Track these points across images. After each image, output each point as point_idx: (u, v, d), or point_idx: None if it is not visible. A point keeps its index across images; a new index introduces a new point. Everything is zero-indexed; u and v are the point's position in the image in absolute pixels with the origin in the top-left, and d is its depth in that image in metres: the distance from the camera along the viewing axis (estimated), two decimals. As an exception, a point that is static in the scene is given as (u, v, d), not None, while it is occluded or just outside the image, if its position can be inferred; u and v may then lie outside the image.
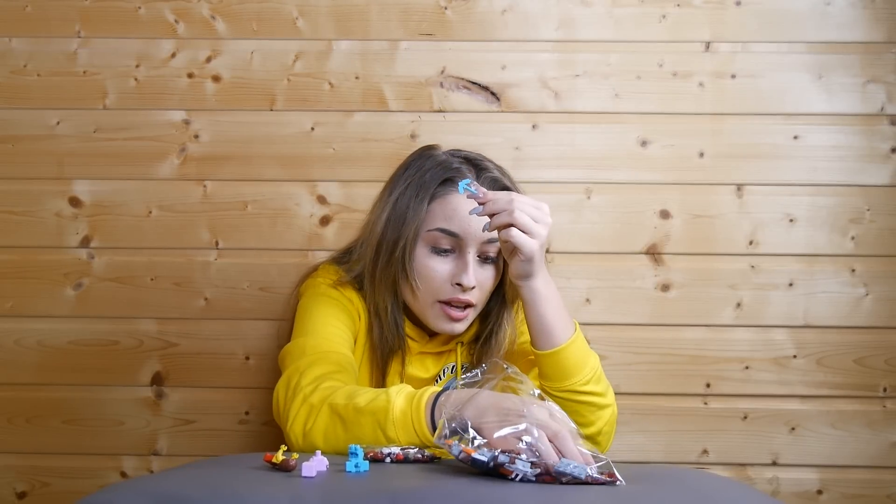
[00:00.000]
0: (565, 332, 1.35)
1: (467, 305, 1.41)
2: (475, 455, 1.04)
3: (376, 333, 1.45)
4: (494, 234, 1.34)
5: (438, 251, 1.40)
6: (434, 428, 1.19)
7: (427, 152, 1.47)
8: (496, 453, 1.04)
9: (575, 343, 1.36)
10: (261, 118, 1.80)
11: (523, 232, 1.28)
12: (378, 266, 1.42)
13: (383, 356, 1.45)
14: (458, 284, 1.39)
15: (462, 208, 1.38)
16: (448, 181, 1.41)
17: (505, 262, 1.40)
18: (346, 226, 1.77)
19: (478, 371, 1.20)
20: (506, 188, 1.44)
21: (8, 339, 1.79)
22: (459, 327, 1.42)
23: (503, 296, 1.48)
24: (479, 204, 1.30)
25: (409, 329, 1.47)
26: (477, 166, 1.44)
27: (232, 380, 1.78)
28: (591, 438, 1.36)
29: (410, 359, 1.47)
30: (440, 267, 1.40)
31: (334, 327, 1.42)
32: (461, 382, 1.18)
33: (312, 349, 1.37)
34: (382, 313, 1.43)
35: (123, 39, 1.80)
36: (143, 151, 1.79)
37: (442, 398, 1.20)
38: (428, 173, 1.42)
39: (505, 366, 1.21)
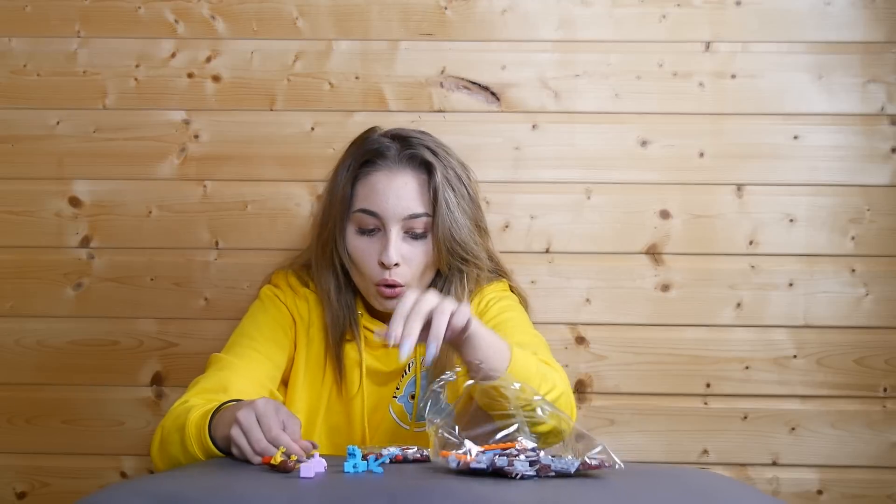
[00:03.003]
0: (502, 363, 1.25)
1: (397, 285, 1.40)
2: (473, 464, 1.04)
3: (327, 317, 1.47)
4: (417, 209, 1.39)
5: (364, 231, 1.43)
6: (214, 440, 1.21)
7: (365, 134, 1.50)
8: (493, 458, 1.04)
9: (514, 369, 1.26)
10: (261, 118, 1.80)
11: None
12: (319, 247, 1.48)
13: (335, 341, 1.46)
14: (382, 264, 1.40)
15: (381, 187, 1.41)
16: (368, 162, 1.44)
17: (440, 246, 1.41)
18: (346, 226, 1.77)
19: (452, 372, 1.19)
20: (427, 163, 1.42)
21: (8, 339, 1.78)
22: (393, 304, 1.36)
23: (444, 272, 1.46)
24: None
25: (366, 321, 1.48)
26: (403, 141, 1.45)
27: (232, 380, 1.78)
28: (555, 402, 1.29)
29: (371, 352, 1.47)
30: (366, 247, 1.42)
31: (256, 349, 1.44)
32: (436, 386, 1.17)
33: (214, 367, 1.40)
34: (333, 293, 1.46)
35: (123, 39, 1.80)
36: (142, 151, 1.79)
37: (220, 412, 1.23)
38: (353, 156, 1.46)
39: (478, 362, 1.20)
